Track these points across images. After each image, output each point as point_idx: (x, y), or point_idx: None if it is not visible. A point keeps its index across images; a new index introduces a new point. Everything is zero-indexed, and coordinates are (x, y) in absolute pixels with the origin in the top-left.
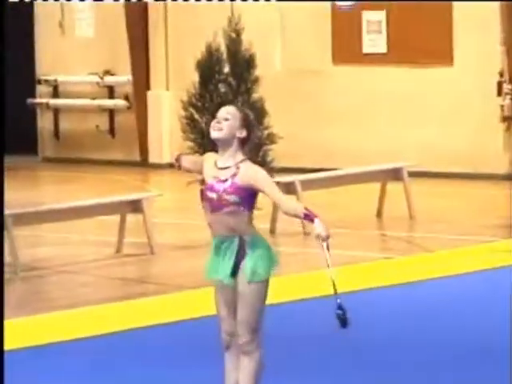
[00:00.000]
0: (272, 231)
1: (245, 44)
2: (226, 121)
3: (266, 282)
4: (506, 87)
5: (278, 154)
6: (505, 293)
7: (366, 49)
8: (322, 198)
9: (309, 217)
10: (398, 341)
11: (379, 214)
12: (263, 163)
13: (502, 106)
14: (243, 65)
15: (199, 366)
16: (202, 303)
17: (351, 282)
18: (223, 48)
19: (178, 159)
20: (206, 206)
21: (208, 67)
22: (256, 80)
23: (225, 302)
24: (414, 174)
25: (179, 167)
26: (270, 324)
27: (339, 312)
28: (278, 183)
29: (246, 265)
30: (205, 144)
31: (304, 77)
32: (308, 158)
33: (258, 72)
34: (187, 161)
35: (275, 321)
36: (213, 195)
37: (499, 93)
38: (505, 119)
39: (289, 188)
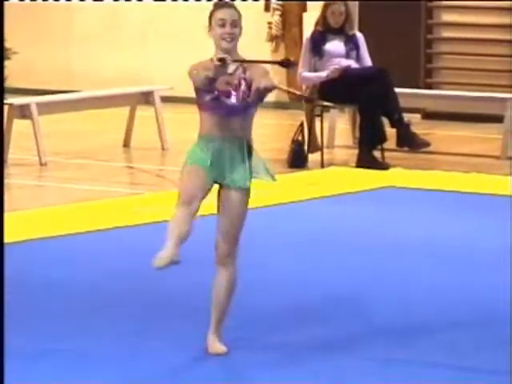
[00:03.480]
0: None
1: None
2: (235, 27)
3: (249, 190)
4: (274, 2)
5: (12, 72)
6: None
7: None
8: (63, 125)
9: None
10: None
11: (126, 143)
12: None
13: (270, 24)
14: None
15: None
16: None
17: (93, 221)
18: None
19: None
20: (215, 111)
21: None
22: None
23: (202, 188)
24: (167, 100)
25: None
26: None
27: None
28: (11, 105)
29: (253, 169)
30: None
31: None
32: (46, 79)
33: None
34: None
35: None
36: (233, 101)
37: (267, 8)
38: (273, 38)
39: (23, 111)
